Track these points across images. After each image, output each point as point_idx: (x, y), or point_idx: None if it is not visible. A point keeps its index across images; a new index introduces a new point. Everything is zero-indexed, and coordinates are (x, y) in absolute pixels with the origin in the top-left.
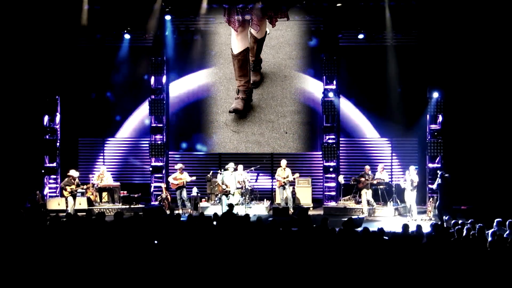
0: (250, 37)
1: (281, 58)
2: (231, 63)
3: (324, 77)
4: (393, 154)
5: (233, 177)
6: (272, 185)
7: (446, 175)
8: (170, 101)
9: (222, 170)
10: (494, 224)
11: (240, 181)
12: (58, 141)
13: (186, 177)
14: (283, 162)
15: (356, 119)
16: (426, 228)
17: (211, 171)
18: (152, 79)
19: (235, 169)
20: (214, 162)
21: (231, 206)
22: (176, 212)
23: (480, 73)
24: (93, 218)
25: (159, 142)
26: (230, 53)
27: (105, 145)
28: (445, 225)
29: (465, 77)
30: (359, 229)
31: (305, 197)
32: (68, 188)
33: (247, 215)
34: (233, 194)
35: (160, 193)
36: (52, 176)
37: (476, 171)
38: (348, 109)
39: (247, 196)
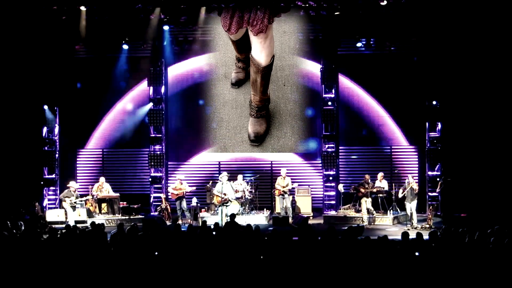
0: (253, 66)
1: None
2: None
3: (323, 85)
4: (393, 162)
5: (228, 186)
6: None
7: (448, 179)
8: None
9: (211, 182)
10: (494, 231)
11: (240, 190)
12: (57, 152)
13: (185, 187)
14: (283, 171)
15: (355, 127)
16: (426, 236)
17: (211, 181)
18: (151, 89)
19: (230, 179)
20: (213, 172)
21: (233, 216)
22: (176, 222)
23: (479, 81)
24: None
25: (158, 152)
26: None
27: (104, 155)
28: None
29: (464, 85)
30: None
31: (305, 206)
32: (67, 200)
33: (249, 225)
34: (231, 201)
35: (159, 203)
36: (51, 188)
37: (475, 178)
38: (347, 116)
39: (247, 205)
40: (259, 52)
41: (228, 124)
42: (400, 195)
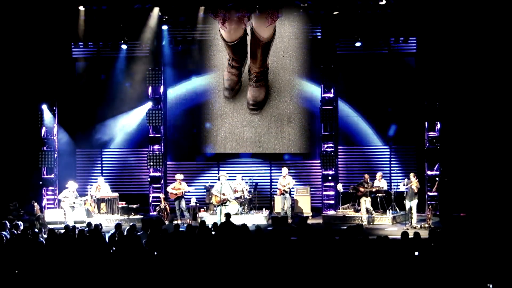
0: (254, 38)
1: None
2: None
3: (322, 85)
4: (392, 162)
5: (227, 185)
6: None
7: (445, 179)
8: (167, 110)
9: (210, 183)
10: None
11: (239, 190)
12: (56, 152)
13: (184, 187)
14: (284, 170)
15: (354, 127)
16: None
17: (210, 181)
18: (150, 89)
19: (228, 179)
20: (212, 172)
21: (228, 215)
22: (175, 222)
23: (478, 81)
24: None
25: (157, 152)
26: (221, 39)
27: (103, 156)
28: None
29: (463, 84)
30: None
31: (304, 205)
32: (66, 200)
33: (244, 225)
34: (230, 200)
35: (158, 203)
36: (50, 188)
37: (474, 178)
38: (346, 117)
39: (246, 205)
40: (262, 29)
41: (228, 98)
42: (401, 188)
